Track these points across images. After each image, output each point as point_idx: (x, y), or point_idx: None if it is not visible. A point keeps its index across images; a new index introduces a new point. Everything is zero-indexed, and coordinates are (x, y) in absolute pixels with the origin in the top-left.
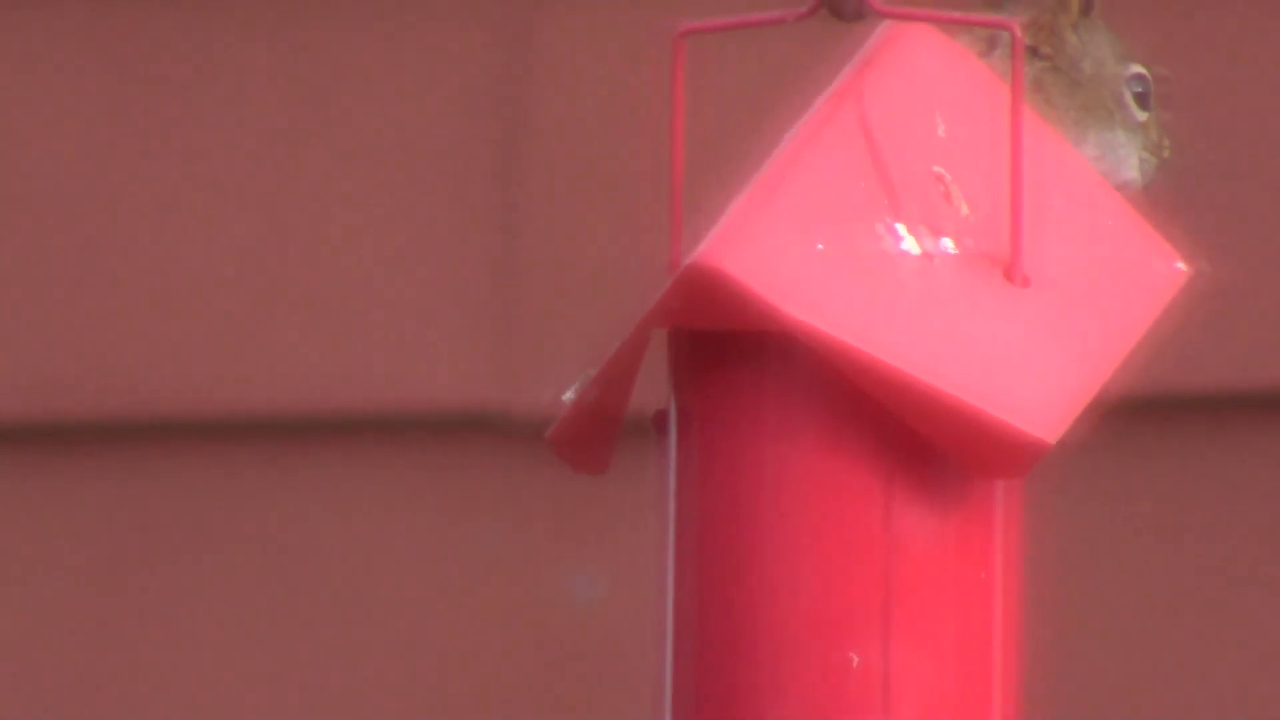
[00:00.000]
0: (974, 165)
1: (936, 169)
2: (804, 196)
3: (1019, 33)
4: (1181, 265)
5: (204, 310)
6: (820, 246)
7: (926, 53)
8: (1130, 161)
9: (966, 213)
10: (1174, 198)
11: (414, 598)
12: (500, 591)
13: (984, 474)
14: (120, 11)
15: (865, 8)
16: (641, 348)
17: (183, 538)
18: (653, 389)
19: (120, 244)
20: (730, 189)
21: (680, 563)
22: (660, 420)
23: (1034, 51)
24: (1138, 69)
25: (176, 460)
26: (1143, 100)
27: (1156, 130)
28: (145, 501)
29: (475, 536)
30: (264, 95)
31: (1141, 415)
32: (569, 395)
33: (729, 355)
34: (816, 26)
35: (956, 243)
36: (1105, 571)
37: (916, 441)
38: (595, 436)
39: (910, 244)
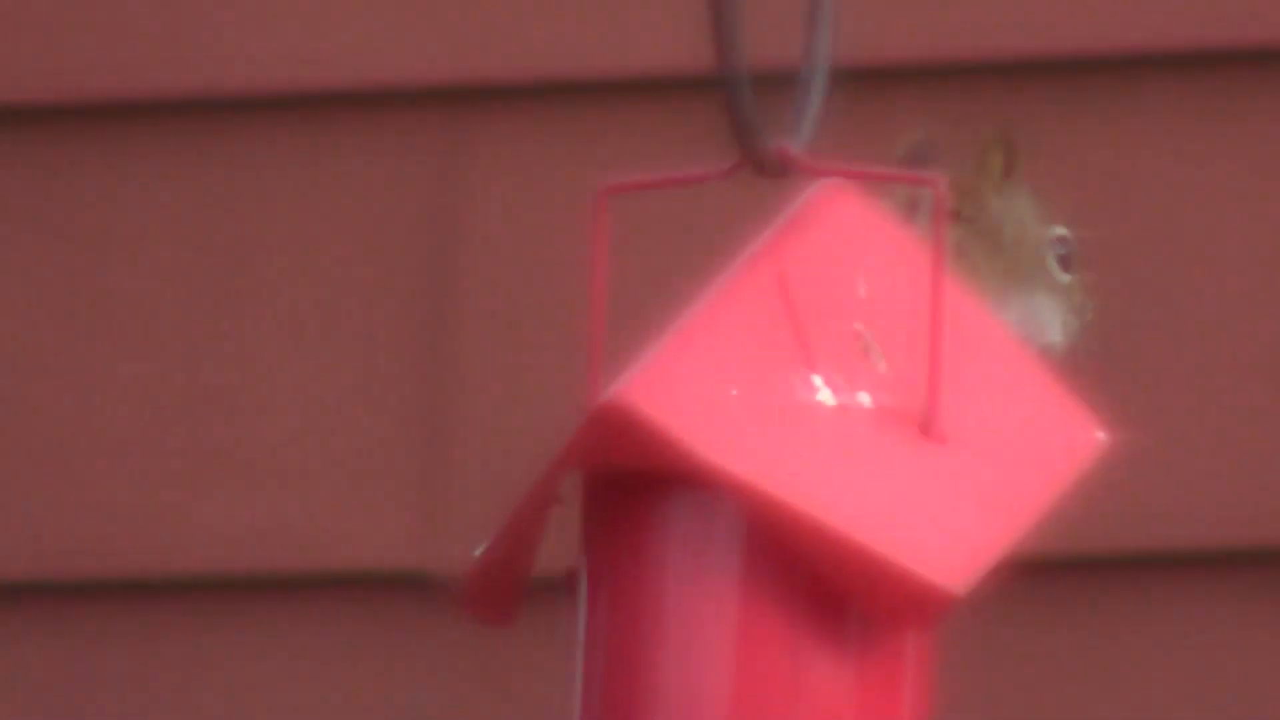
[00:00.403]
0: (894, 324)
1: (856, 326)
2: (721, 345)
3: (943, 189)
4: (1100, 434)
5: (126, 470)
6: (734, 392)
7: (850, 213)
8: (1054, 324)
9: (885, 369)
10: (1098, 359)
11: None
12: None
13: (892, 623)
14: (34, 160)
15: (788, 165)
16: (550, 495)
17: (108, 696)
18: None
19: (45, 404)
20: (649, 339)
21: (586, 713)
22: (571, 578)
23: (956, 215)
24: (1060, 231)
25: (101, 620)
26: (1065, 262)
27: (1079, 292)
28: (74, 660)
29: (399, 694)
30: (188, 250)
31: (1056, 574)
32: (479, 550)
33: (639, 502)
34: (742, 183)
35: (873, 397)
36: None
37: (825, 590)
38: (503, 589)
39: (826, 395)
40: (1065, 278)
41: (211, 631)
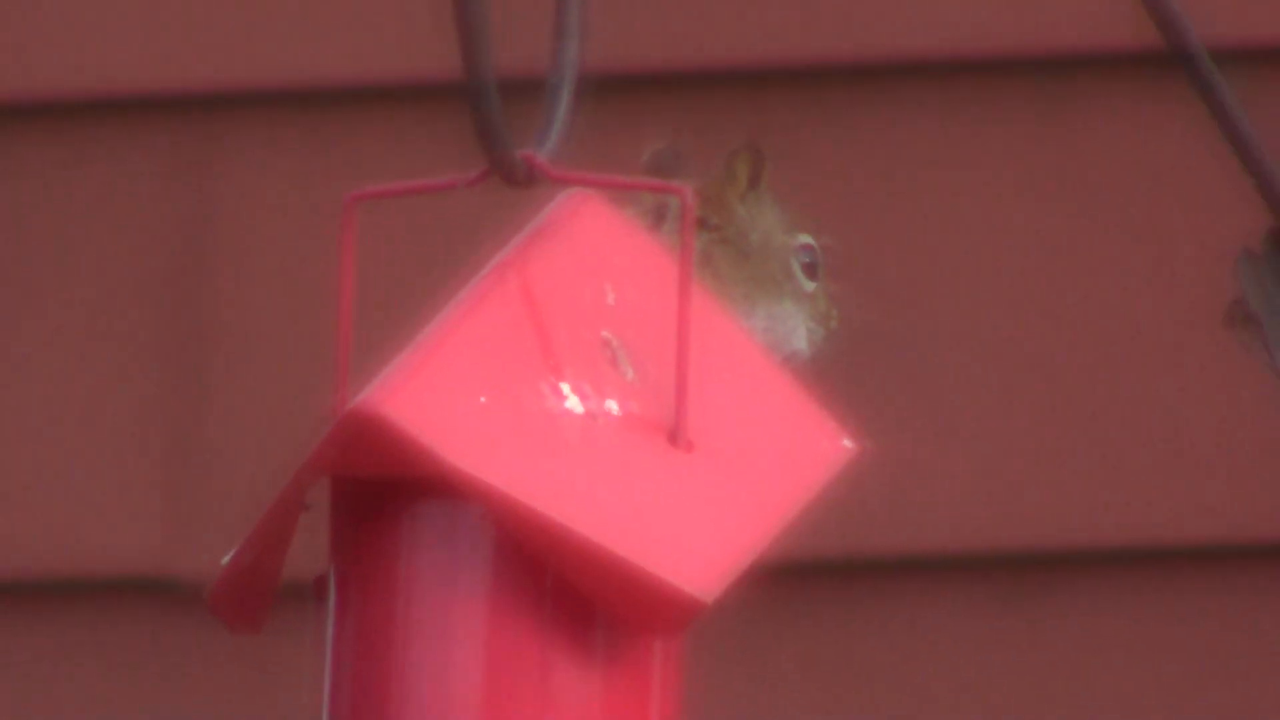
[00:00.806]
0: (642, 333)
1: (604, 334)
2: (468, 354)
3: (689, 198)
4: (847, 442)
5: None
6: (483, 399)
7: (597, 223)
8: (798, 332)
9: (633, 377)
10: (844, 367)
11: None
12: None
13: (640, 630)
14: None
15: (536, 174)
16: (296, 506)
17: None
18: (317, 553)
19: None
20: (397, 347)
21: None
22: (320, 585)
23: (702, 223)
24: (805, 240)
25: None
26: (810, 270)
27: (824, 300)
28: None
29: (148, 700)
30: None
31: (808, 579)
32: (228, 557)
33: (386, 509)
34: (490, 190)
35: (621, 405)
36: None
37: (575, 597)
38: (251, 595)
39: (574, 403)
40: (810, 286)
41: None
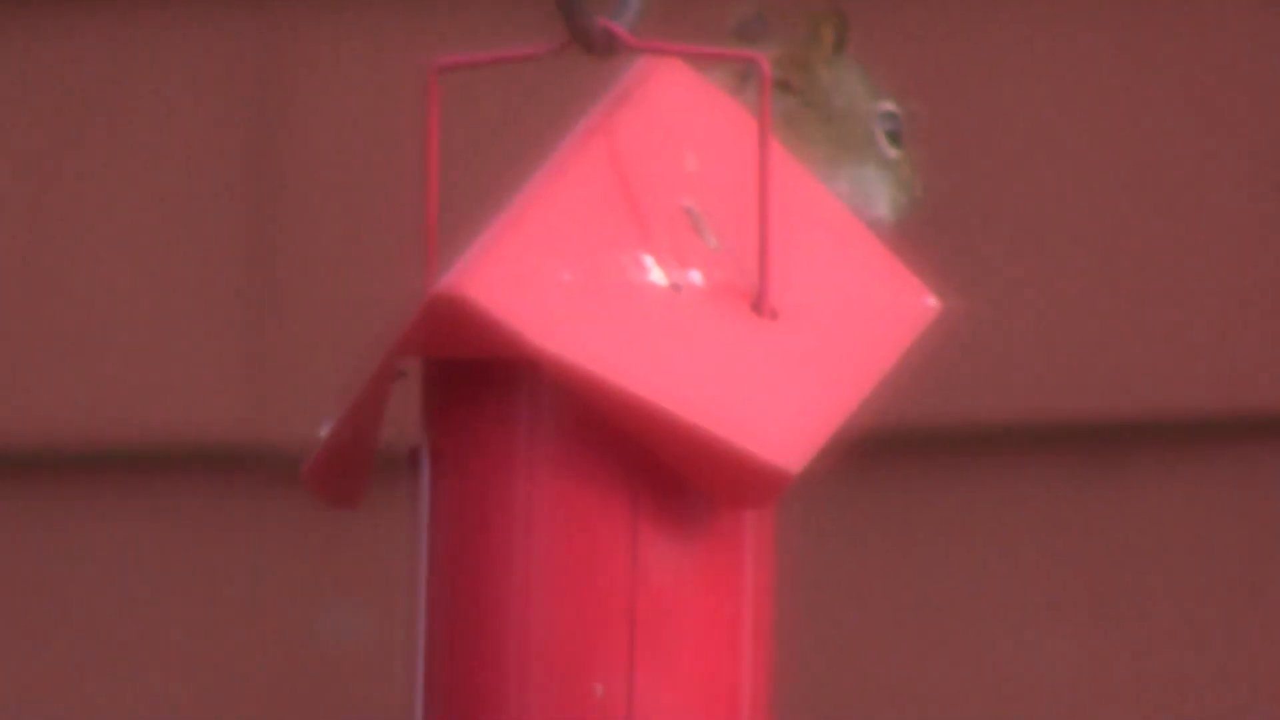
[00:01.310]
0: (723, 200)
1: (685, 203)
2: (551, 228)
3: (767, 67)
4: (931, 301)
5: None
6: (567, 276)
7: (677, 89)
8: (882, 198)
9: (715, 246)
10: (925, 232)
11: (175, 630)
12: (260, 624)
13: (730, 504)
14: None
15: (616, 43)
16: (388, 379)
17: None
18: (414, 425)
19: None
20: (482, 222)
21: (430, 596)
22: (414, 457)
23: (786, 86)
24: (889, 106)
25: None
26: (894, 137)
27: (908, 167)
28: None
29: (235, 570)
30: (12, 134)
31: (892, 447)
32: (323, 430)
33: (477, 387)
34: (569, 61)
35: (704, 275)
36: (856, 602)
37: (663, 472)
38: (348, 471)
39: (657, 275)
40: (894, 152)
41: (42, 506)
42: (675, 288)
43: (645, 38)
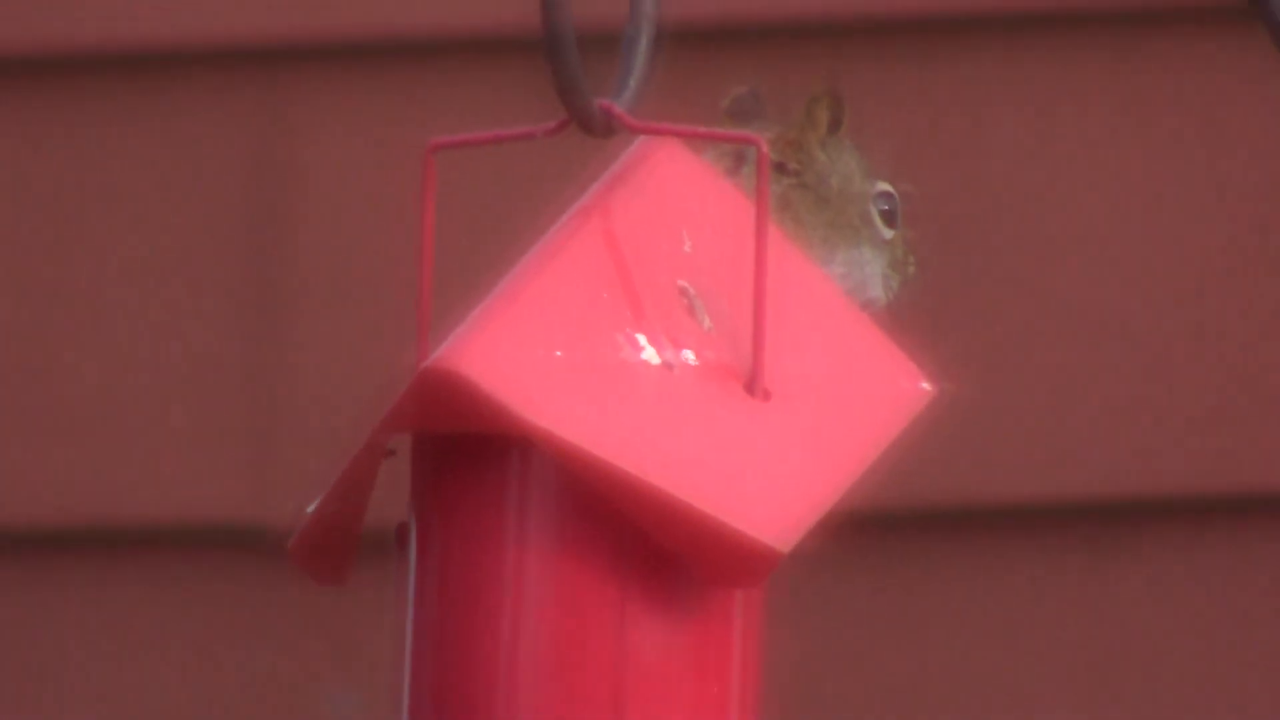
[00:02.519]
0: (719, 280)
1: (681, 283)
2: (546, 305)
3: (765, 148)
4: (925, 384)
5: None
6: (559, 353)
7: (675, 169)
8: (875, 279)
9: (710, 326)
10: (922, 312)
11: (175, 706)
12: (253, 702)
13: (719, 582)
14: None
15: (614, 123)
16: (376, 458)
17: None
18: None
19: None
20: (477, 299)
21: (416, 673)
22: (402, 534)
23: (781, 168)
24: (884, 186)
25: None
26: (888, 218)
27: (902, 248)
28: None
29: (232, 648)
30: (21, 206)
31: (885, 527)
32: (310, 507)
33: (467, 464)
34: (568, 141)
35: (698, 355)
36: (847, 681)
37: (652, 549)
38: (334, 547)
39: (651, 354)
40: (888, 233)
41: (44, 585)
42: (668, 367)
43: (643, 118)
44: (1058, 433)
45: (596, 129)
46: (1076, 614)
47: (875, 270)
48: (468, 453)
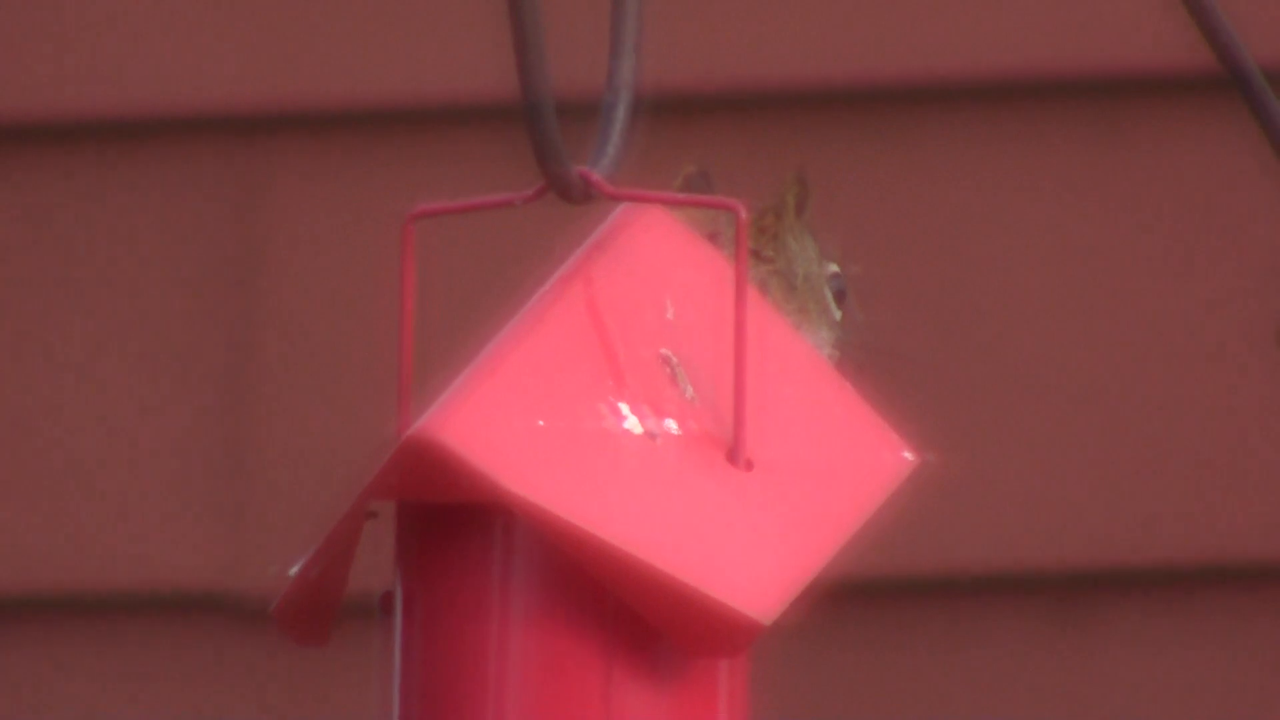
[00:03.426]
0: (701, 349)
1: (664, 351)
2: (528, 374)
3: (744, 213)
4: (908, 454)
5: None
6: (541, 423)
7: (657, 236)
8: (829, 358)
9: (692, 395)
10: (894, 383)
11: None
12: None
13: (700, 652)
14: None
15: (593, 190)
16: (359, 523)
17: None
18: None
19: None
20: (458, 368)
21: None
22: (387, 602)
23: (756, 255)
24: (834, 268)
25: None
26: (839, 298)
27: (850, 329)
28: None
29: (209, 714)
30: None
31: (867, 595)
32: (293, 570)
33: (450, 533)
34: (547, 208)
35: (680, 424)
36: None
37: (636, 620)
38: (317, 609)
39: (633, 423)
40: (838, 313)
41: (12, 649)
42: (651, 436)
43: (622, 185)
44: (1035, 501)
45: (575, 196)
46: (1057, 681)
47: (827, 351)
48: (451, 521)
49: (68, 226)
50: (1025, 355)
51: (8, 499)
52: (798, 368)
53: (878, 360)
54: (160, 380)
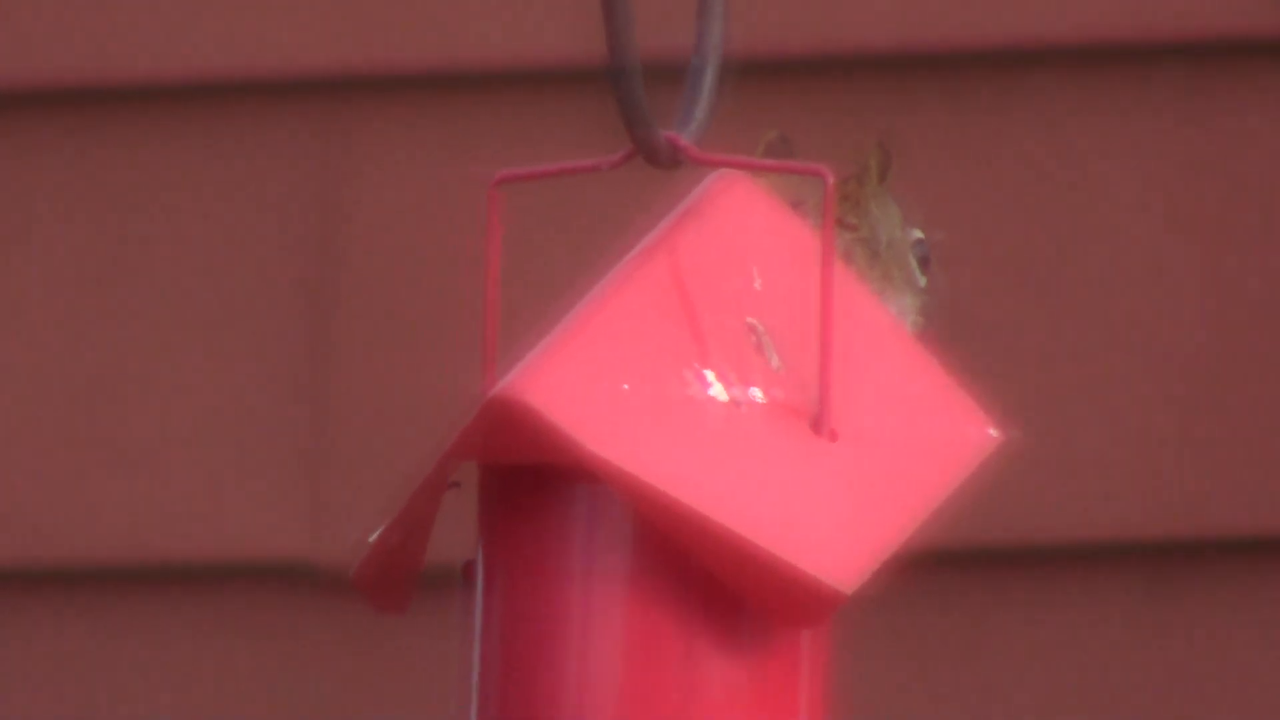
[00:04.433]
0: (788, 319)
1: (750, 320)
2: (613, 339)
3: (830, 178)
4: (993, 430)
5: (8, 458)
6: (626, 386)
7: (746, 205)
8: (913, 326)
9: (778, 365)
10: (975, 353)
11: None
12: None
13: (781, 621)
14: None
15: (680, 155)
16: (441, 488)
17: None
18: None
19: None
20: (541, 332)
21: (482, 708)
22: (469, 571)
23: (840, 223)
24: (918, 234)
25: None
26: (924, 264)
27: (933, 295)
28: None
29: (289, 683)
30: (71, 238)
31: (948, 566)
32: (373, 536)
33: (533, 498)
34: (633, 173)
35: (765, 393)
36: (909, 715)
37: (719, 588)
38: (396, 576)
39: (718, 391)
40: (923, 280)
41: (96, 622)
42: (736, 404)
43: (708, 150)
44: (1124, 470)
45: (662, 161)
46: (1146, 652)
47: (912, 318)
48: (534, 487)
49: (147, 191)
50: (1111, 322)
51: (84, 469)
52: (882, 338)
53: (961, 328)
54: (240, 347)
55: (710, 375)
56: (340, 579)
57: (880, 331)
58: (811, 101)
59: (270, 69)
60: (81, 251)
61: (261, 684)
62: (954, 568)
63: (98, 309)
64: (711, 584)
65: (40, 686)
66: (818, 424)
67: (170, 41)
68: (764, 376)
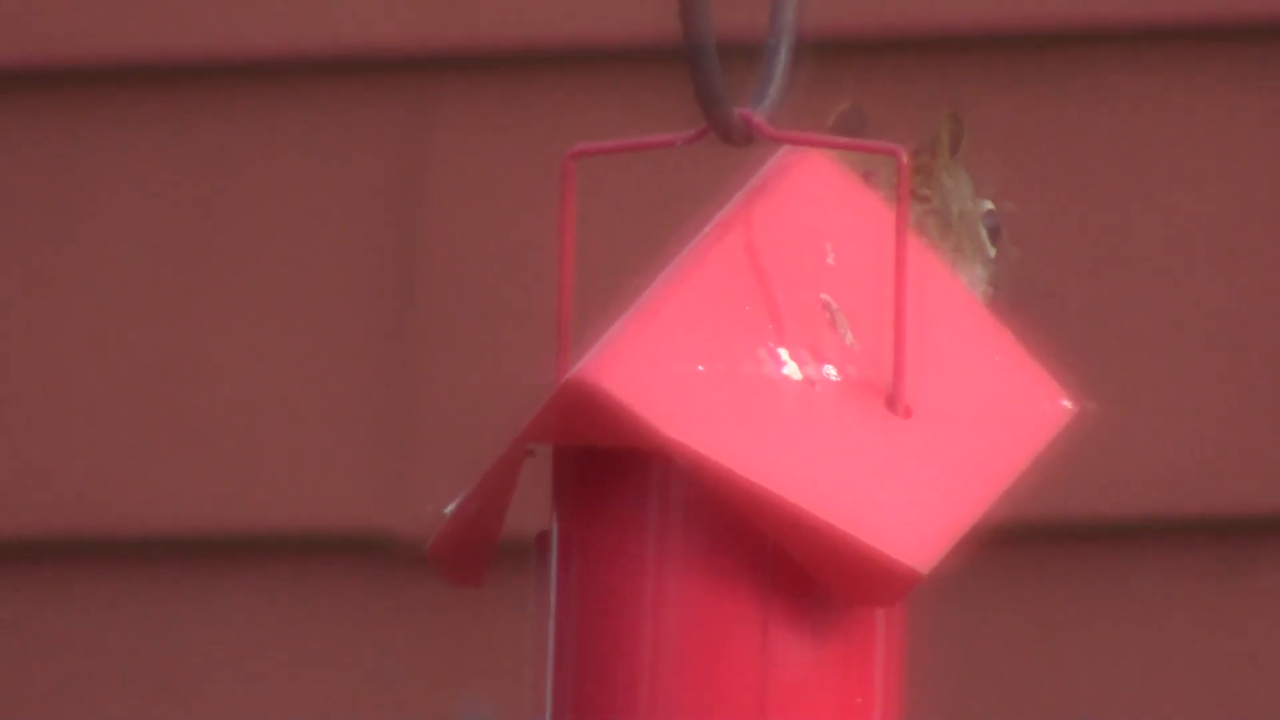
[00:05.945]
0: (861, 294)
1: (823, 297)
2: (687, 318)
3: (905, 158)
4: (1067, 403)
5: (87, 432)
6: (700, 368)
7: (819, 180)
8: (983, 297)
9: (851, 341)
10: (1049, 327)
11: (300, 715)
12: (387, 708)
13: (856, 601)
14: None
15: (754, 133)
16: (517, 463)
17: (68, 659)
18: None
19: (8, 362)
20: (617, 310)
21: (556, 684)
22: (543, 542)
23: (913, 194)
24: (988, 205)
25: (60, 583)
26: (994, 235)
27: (1003, 266)
28: (31, 623)
29: (366, 656)
30: (150, 214)
31: (1026, 542)
32: (449, 509)
33: (608, 477)
34: (707, 150)
35: (839, 370)
36: (988, 700)
37: (793, 567)
38: (473, 550)
39: (792, 369)
40: (993, 251)
41: (175, 595)
42: (810, 382)
43: (783, 128)
44: (1197, 444)
45: (736, 138)
46: (1220, 627)
47: (982, 288)
48: (608, 466)
49: (230, 166)
50: (1184, 295)
51: (161, 441)
52: (956, 313)
53: (1031, 299)
54: (318, 318)
55: (784, 354)
56: (418, 553)
57: (954, 305)
58: (884, 79)
59: (351, 45)
60: (168, 228)
61: (340, 656)
62: (1028, 544)
63: (184, 285)
64: (786, 564)
65: (121, 658)
66: (892, 401)
67: (258, 19)
68: (838, 353)
